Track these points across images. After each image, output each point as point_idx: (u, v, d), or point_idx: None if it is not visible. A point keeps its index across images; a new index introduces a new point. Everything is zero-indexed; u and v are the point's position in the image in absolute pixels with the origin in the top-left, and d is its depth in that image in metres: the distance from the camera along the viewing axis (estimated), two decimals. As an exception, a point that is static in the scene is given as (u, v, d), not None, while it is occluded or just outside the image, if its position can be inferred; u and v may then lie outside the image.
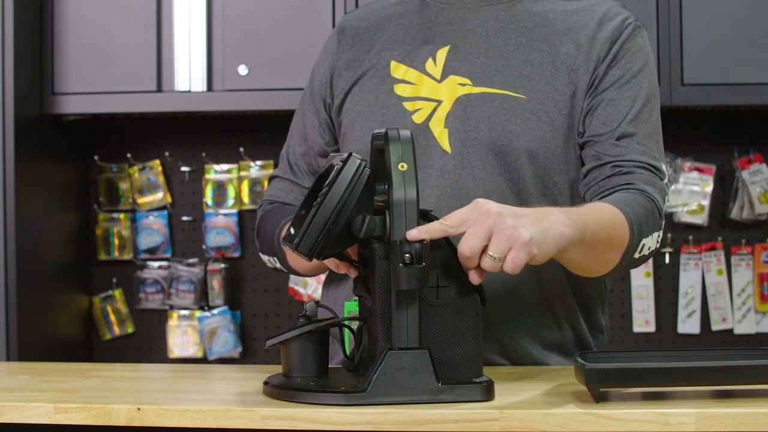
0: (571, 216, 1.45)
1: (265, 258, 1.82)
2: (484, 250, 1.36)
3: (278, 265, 1.79)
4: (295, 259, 1.73)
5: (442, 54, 1.75)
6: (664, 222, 1.65)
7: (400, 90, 1.75)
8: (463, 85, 1.72)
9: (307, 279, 3.12)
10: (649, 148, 1.68)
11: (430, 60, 1.75)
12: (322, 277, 1.94)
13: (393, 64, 1.78)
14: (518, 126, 1.69)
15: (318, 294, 3.14)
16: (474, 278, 1.38)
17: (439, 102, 1.72)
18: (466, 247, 1.35)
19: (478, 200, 1.39)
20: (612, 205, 1.56)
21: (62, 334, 3.10)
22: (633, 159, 1.66)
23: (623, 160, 1.66)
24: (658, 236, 1.63)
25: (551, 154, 1.69)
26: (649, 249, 1.61)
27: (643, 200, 1.61)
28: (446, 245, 1.41)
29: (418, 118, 1.73)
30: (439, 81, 1.74)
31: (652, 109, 1.72)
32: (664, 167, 1.69)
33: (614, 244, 1.55)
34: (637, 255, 1.59)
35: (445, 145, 1.70)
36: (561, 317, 1.73)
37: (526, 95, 1.70)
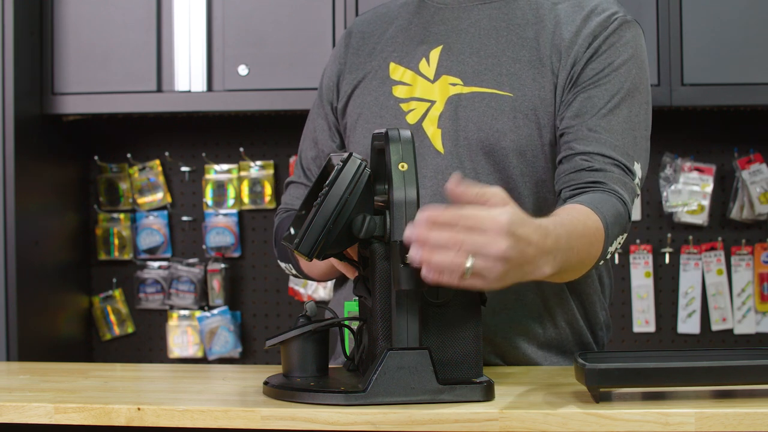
0: (558, 257, 1.35)
1: (283, 266, 1.82)
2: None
3: (294, 272, 1.79)
4: (307, 264, 1.73)
5: (435, 54, 1.74)
6: (630, 225, 1.61)
7: (398, 92, 1.75)
8: (455, 84, 1.71)
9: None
10: (622, 145, 1.62)
11: (424, 60, 1.75)
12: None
13: (392, 65, 1.78)
14: (505, 125, 1.67)
15: (318, 294, 3.14)
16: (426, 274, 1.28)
17: (432, 102, 1.72)
18: (446, 258, 1.24)
19: (513, 228, 1.25)
20: (596, 216, 1.49)
21: (62, 334, 3.09)
22: (604, 153, 1.61)
23: (594, 153, 1.61)
24: (622, 239, 1.57)
25: (539, 152, 1.67)
26: (609, 255, 1.56)
27: (616, 204, 1.56)
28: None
29: (411, 119, 1.72)
30: (432, 81, 1.73)
31: (633, 105, 1.66)
32: (636, 168, 1.63)
33: (584, 264, 1.50)
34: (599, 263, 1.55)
35: (438, 146, 1.70)
36: (558, 315, 1.72)
37: (513, 93, 1.68)
